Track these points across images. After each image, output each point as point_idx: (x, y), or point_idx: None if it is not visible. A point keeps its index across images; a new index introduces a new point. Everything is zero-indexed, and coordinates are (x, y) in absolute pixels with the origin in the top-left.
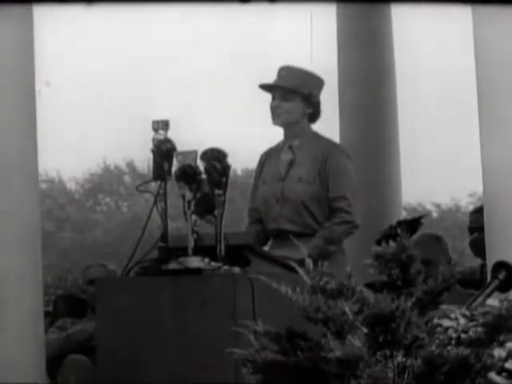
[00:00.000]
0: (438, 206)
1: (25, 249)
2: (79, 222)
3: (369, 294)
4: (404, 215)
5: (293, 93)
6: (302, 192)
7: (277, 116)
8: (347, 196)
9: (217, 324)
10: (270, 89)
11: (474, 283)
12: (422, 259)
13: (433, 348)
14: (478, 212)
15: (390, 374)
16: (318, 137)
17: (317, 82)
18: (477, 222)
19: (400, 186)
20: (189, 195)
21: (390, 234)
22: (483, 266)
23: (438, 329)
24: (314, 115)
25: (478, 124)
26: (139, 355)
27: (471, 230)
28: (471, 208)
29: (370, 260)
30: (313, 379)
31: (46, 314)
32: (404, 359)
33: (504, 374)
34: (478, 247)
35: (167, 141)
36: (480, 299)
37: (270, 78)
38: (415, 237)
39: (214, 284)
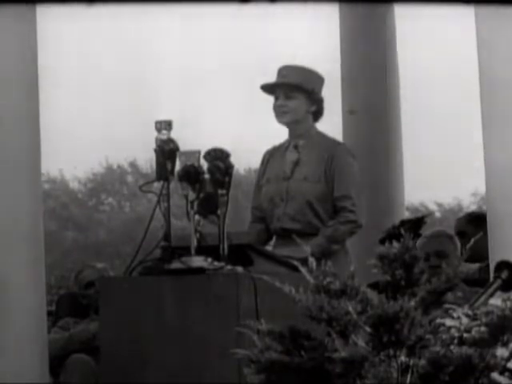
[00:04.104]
0: (440, 205)
1: (28, 248)
2: (82, 221)
3: (372, 295)
4: (406, 215)
5: (296, 90)
6: (308, 191)
7: (282, 114)
8: (352, 195)
9: (220, 323)
10: (272, 90)
11: (476, 282)
12: (437, 251)
13: (437, 348)
14: (462, 218)
15: (395, 374)
16: (322, 136)
17: (318, 79)
18: (457, 227)
19: (403, 185)
20: (192, 195)
21: (393, 234)
22: (481, 268)
23: (441, 328)
24: (318, 113)
25: (480, 124)
26: (142, 355)
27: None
28: (474, 208)
29: (373, 260)
30: (317, 379)
31: (49, 313)
32: (407, 359)
33: (506, 373)
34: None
35: (170, 141)
36: (483, 299)
37: (271, 78)
38: (429, 231)
39: (216, 283)
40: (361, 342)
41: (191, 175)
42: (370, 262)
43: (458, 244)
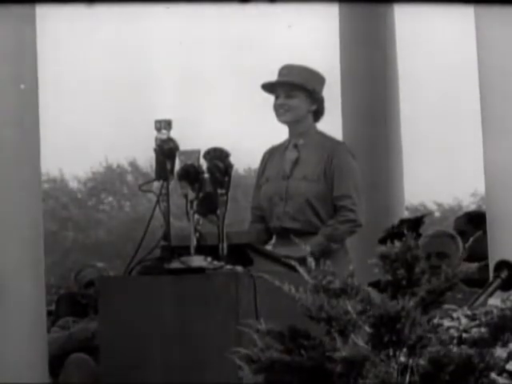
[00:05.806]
0: (440, 205)
1: (28, 248)
2: (82, 221)
3: (374, 294)
4: (406, 215)
5: (297, 89)
6: (307, 190)
7: (282, 114)
8: (352, 195)
9: (219, 323)
10: (272, 89)
11: (476, 282)
12: (437, 252)
13: (437, 348)
14: (461, 218)
15: (395, 374)
16: (322, 135)
17: (319, 79)
18: (456, 226)
19: (402, 185)
20: (191, 194)
21: (392, 234)
22: (480, 267)
23: (440, 328)
24: (318, 113)
25: (480, 124)
26: (141, 354)
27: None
28: (473, 208)
29: (374, 260)
30: (317, 379)
31: (49, 313)
32: (407, 359)
33: (504, 374)
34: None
35: (170, 140)
36: (482, 298)
37: (272, 77)
38: (431, 231)
39: (216, 283)
40: (360, 342)
41: (191, 175)
42: (371, 262)
43: (461, 244)
